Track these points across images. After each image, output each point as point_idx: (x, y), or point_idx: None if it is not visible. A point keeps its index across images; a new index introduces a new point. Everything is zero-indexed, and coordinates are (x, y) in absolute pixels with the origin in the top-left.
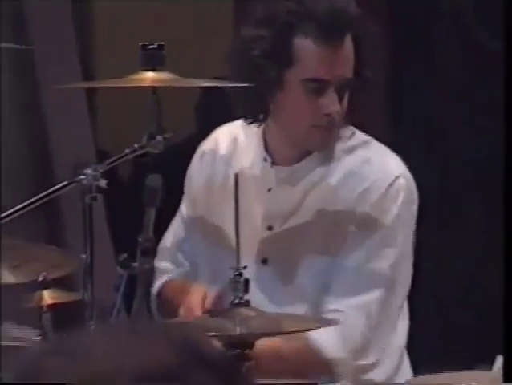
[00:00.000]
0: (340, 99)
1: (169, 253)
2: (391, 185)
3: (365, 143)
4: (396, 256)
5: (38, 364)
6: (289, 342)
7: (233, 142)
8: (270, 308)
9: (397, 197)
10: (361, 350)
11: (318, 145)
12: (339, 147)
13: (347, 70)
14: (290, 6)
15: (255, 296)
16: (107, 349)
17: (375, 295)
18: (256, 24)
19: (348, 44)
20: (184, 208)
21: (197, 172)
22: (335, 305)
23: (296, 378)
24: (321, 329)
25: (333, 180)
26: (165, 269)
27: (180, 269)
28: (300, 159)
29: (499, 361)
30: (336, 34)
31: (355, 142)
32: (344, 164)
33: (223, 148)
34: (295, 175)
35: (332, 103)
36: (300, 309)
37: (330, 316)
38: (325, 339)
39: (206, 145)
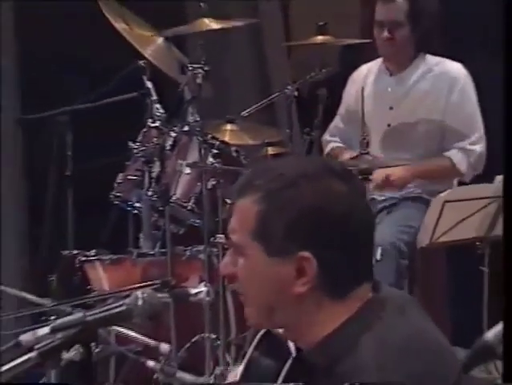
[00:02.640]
0: (392, 33)
1: (332, 130)
2: (461, 77)
3: (440, 60)
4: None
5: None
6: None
7: (368, 69)
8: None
9: (466, 83)
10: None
11: (386, 56)
12: (427, 62)
13: (398, 16)
14: None
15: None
16: (287, 163)
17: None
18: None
19: (400, 1)
20: (341, 108)
21: (349, 88)
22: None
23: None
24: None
25: (427, 78)
26: (330, 140)
27: (337, 138)
28: (404, 69)
29: (498, 178)
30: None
31: (435, 60)
32: (431, 70)
33: (362, 74)
34: (403, 78)
35: (386, 35)
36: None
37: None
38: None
39: (354, 73)
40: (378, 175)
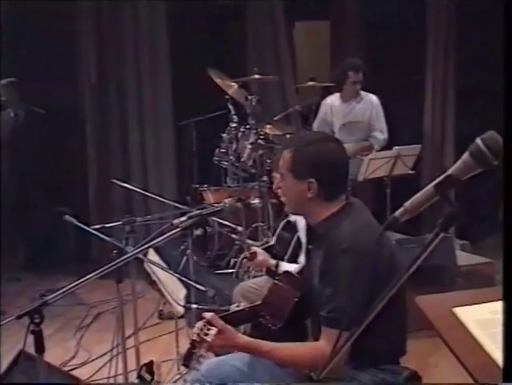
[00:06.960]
0: (360, 84)
1: (313, 126)
2: (376, 102)
3: (366, 93)
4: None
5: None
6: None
7: (331, 99)
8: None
9: (378, 104)
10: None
11: (354, 96)
12: (361, 95)
13: (360, 77)
14: (350, 62)
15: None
16: (306, 134)
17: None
18: (341, 67)
19: (362, 71)
20: (318, 117)
21: (322, 107)
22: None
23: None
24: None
25: (361, 103)
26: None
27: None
28: (351, 99)
29: (394, 148)
30: (358, 69)
31: (364, 93)
32: (364, 98)
33: (329, 101)
34: (350, 103)
35: (358, 85)
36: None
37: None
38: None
39: (324, 100)
40: None
